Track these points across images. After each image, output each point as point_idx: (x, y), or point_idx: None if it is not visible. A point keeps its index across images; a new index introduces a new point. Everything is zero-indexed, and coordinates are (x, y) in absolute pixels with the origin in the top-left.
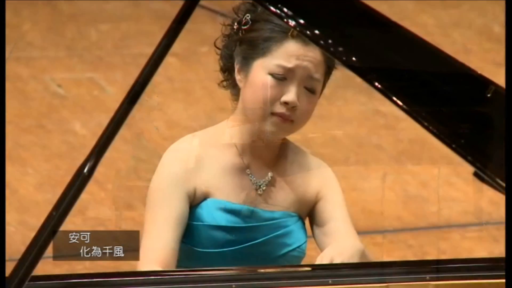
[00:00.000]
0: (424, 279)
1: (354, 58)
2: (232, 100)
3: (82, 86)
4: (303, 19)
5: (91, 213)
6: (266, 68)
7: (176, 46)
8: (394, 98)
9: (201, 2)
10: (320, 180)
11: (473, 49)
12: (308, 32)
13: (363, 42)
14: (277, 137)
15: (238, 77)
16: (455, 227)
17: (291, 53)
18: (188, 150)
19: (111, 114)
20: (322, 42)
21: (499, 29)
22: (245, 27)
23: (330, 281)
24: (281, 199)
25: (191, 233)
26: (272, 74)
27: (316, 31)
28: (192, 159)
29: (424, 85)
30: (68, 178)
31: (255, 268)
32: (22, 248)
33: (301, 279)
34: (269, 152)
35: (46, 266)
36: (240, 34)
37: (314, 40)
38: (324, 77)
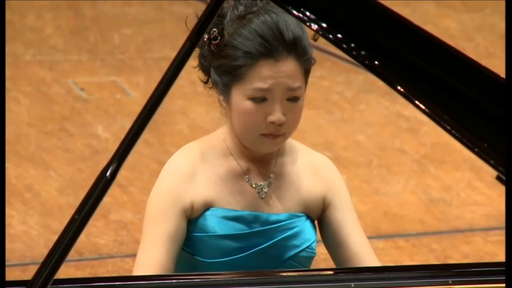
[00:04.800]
0: (446, 283)
1: (376, 62)
2: (221, 107)
3: (105, 89)
4: (325, 23)
5: (114, 216)
6: (245, 94)
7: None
8: (417, 102)
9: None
10: (325, 180)
11: (496, 53)
12: (330, 36)
13: (386, 46)
14: (270, 151)
15: (220, 97)
16: (477, 231)
17: (264, 74)
18: (184, 164)
19: (133, 117)
20: (344, 46)
21: None
22: (215, 41)
23: (352, 285)
24: (286, 201)
25: (197, 245)
26: (251, 99)
27: (339, 35)
28: (187, 173)
29: (446, 89)
30: (90, 182)
31: (276, 272)
32: (45, 252)
33: (323, 283)
34: (267, 156)
35: (69, 270)
36: (212, 48)
37: (336, 43)
38: (304, 79)
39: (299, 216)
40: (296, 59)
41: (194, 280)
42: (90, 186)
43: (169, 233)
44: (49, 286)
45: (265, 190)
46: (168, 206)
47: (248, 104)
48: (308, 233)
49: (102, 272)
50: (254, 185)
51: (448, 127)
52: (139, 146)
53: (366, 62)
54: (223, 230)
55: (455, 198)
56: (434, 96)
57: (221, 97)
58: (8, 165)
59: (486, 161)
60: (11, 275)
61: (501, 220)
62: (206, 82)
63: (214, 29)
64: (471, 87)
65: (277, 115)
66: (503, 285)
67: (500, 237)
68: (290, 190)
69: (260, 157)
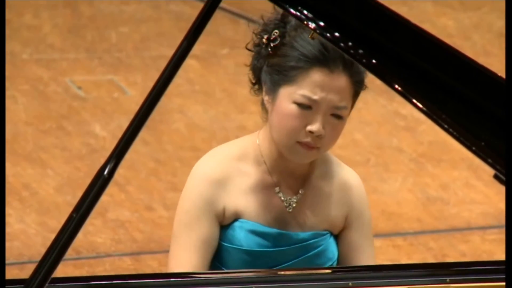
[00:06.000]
0: (444, 282)
1: (374, 61)
2: (262, 110)
3: (102, 88)
4: (323, 22)
5: (111, 215)
6: (292, 97)
7: (196, 49)
8: (414, 101)
9: (221, 4)
10: (351, 199)
11: (493, 51)
12: (328, 35)
13: (383, 45)
14: (302, 163)
15: (265, 97)
16: (475, 229)
17: (316, 83)
18: (216, 168)
19: (131, 116)
20: (342, 44)
21: None
22: (275, 43)
23: (350, 284)
24: (312, 217)
25: (221, 253)
26: (297, 103)
27: (336, 34)
28: (220, 178)
29: (444, 88)
30: (88, 180)
31: (275, 271)
32: (43, 250)
33: (321, 281)
34: (300, 169)
35: (66, 268)
36: (269, 49)
37: (334, 42)
38: (352, 101)
39: (324, 234)
40: (349, 77)
41: (191, 279)
42: (87, 184)
43: (203, 238)
44: (46, 284)
45: (294, 205)
46: (201, 211)
47: (293, 107)
48: (331, 252)
49: (99, 270)
50: (283, 199)
51: (446, 126)
52: (137, 145)
53: (364, 60)
54: (249, 245)
55: (453, 197)
56: (431, 94)
57: (266, 97)
58: (6, 164)
59: (484, 159)
60: (8, 273)
61: (499, 219)
62: (254, 84)
63: (276, 31)
64: (468, 85)
65: (317, 126)
66: (501, 283)
67: (497, 235)
68: (318, 207)
69: (292, 169)
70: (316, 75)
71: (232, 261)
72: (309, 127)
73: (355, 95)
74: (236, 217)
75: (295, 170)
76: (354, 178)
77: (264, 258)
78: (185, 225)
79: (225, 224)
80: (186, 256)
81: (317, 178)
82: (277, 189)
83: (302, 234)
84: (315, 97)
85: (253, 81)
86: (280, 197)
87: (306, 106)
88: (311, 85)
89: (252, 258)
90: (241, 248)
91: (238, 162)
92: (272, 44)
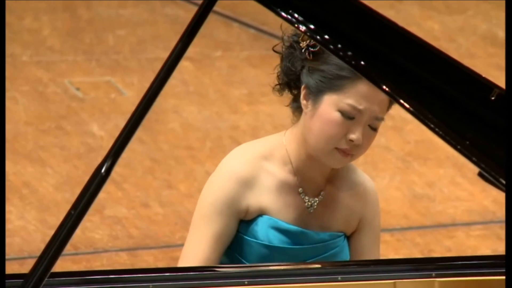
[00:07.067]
0: (430, 276)
1: (362, 62)
2: (292, 112)
3: (100, 89)
4: (313, 25)
5: (109, 212)
6: (337, 105)
7: (191, 51)
8: (401, 101)
9: (215, 8)
10: (366, 204)
11: (478, 53)
12: (318, 37)
13: (371, 47)
14: (334, 167)
15: (303, 101)
16: (460, 225)
17: (362, 94)
18: (243, 167)
19: (127, 116)
20: (331, 46)
21: (503, 34)
22: (315, 48)
23: (339, 278)
24: (331, 218)
25: (241, 245)
26: (341, 112)
27: (326, 36)
28: (247, 178)
29: (430, 88)
30: (86, 178)
31: (267, 265)
32: (42, 246)
33: (311, 276)
34: (323, 172)
35: (65, 263)
36: (307, 54)
37: (323, 44)
38: (386, 113)
39: (340, 236)
40: None
41: (185, 273)
42: (85, 182)
43: (221, 232)
44: (46, 279)
45: (315, 207)
46: (224, 207)
47: (337, 115)
48: (345, 254)
49: (97, 265)
50: (305, 199)
51: (432, 125)
52: (133, 144)
53: (353, 62)
54: (270, 240)
55: (438, 194)
56: (418, 95)
57: (304, 101)
58: (6, 163)
59: (468, 158)
60: (9, 268)
61: (483, 215)
62: (280, 84)
63: None
64: (453, 86)
65: (358, 135)
66: (485, 278)
67: (481, 231)
68: (337, 209)
69: (317, 172)
70: (362, 86)
71: (252, 254)
72: (350, 136)
73: (388, 108)
74: (260, 213)
75: (320, 173)
76: (370, 184)
77: (283, 254)
78: (206, 216)
79: (248, 219)
80: (201, 246)
81: (337, 182)
82: (300, 189)
83: (322, 234)
84: (360, 107)
85: (280, 82)
86: (303, 197)
87: (349, 115)
88: (357, 95)
89: (272, 253)
90: (262, 242)
91: (264, 161)
92: (310, 50)
